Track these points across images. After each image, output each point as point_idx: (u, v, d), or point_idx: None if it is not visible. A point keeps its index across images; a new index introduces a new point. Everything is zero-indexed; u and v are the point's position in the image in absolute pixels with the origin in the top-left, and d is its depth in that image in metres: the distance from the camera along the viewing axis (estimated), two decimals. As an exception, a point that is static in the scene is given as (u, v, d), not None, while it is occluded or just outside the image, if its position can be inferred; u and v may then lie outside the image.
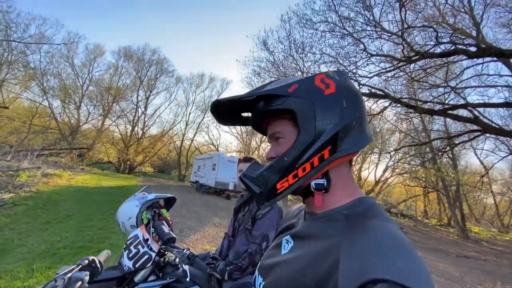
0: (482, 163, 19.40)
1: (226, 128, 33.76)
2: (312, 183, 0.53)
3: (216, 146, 33.77)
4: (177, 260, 1.44)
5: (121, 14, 55.54)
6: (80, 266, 0.77)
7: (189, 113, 34.48)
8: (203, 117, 34.05)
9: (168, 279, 1.38)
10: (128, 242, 1.41)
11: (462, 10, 7.50)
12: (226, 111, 0.63)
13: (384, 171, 26.07)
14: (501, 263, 8.08)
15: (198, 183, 17.72)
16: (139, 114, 33.40)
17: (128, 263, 1.33)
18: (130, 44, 34.08)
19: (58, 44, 22.28)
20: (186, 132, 34.53)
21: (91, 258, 0.83)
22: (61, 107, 26.99)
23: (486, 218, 23.49)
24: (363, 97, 0.59)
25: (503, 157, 13.55)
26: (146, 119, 34.02)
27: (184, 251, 1.34)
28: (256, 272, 0.62)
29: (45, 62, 23.73)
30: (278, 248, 0.60)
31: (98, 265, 0.82)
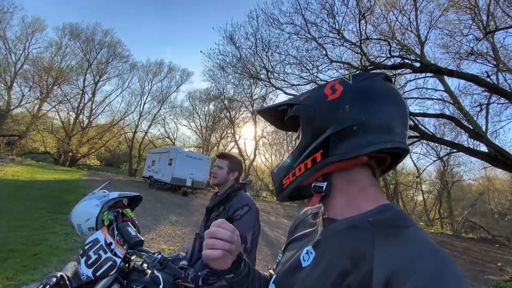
0: (415, 165, 22.11)
1: (184, 121, 32.45)
2: (312, 185, 0.56)
3: (173, 140, 32.25)
4: (146, 265, 1.31)
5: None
6: (48, 286, 0.61)
7: (144, 103, 32.26)
8: (160, 109, 32.17)
9: (134, 287, 1.24)
10: (87, 247, 1.24)
11: (409, 29, 8.41)
12: (272, 118, 0.71)
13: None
14: (428, 252, 9.34)
15: (152, 179, 16.78)
16: (85, 101, 30.12)
17: (86, 272, 1.16)
18: (77, 22, 30.23)
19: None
20: (139, 123, 32.24)
21: (59, 274, 0.67)
22: (-16, 86, 22.89)
23: (416, 213, 26.95)
24: None
25: (434, 161, 15.64)
26: (93, 107, 30.82)
27: (155, 255, 1.22)
28: (273, 286, 0.59)
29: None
30: (297, 259, 0.56)
31: (68, 282, 0.67)
